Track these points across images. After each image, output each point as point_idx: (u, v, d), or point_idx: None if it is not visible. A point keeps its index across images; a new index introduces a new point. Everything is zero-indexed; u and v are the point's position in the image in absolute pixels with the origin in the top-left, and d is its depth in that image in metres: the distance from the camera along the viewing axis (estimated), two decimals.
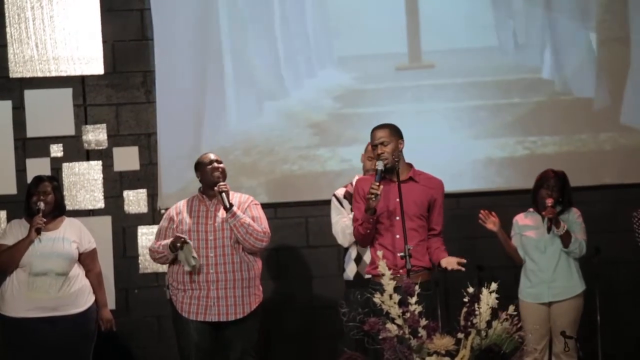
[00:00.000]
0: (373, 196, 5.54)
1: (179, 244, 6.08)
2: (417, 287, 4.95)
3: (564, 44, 7.64)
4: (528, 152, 7.51)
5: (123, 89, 7.52)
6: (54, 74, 7.47)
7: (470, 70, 7.64)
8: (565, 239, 6.45)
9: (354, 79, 7.65)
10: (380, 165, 5.64)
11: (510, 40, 7.69)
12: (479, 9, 7.65)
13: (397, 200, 5.67)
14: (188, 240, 6.10)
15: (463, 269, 5.57)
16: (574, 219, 6.56)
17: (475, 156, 7.50)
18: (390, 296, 4.91)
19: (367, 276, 6.14)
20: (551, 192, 6.48)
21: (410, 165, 5.82)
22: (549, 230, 6.46)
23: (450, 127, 7.55)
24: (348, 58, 7.65)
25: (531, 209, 6.66)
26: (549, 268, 6.51)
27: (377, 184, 5.57)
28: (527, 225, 6.61)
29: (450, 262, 5.63)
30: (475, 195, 7.38)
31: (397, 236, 5.65)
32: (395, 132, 5.75)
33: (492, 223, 6.49)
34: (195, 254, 6.09)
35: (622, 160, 7.43)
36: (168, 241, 6.17)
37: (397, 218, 5.67)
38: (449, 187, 7.29)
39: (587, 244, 6.57)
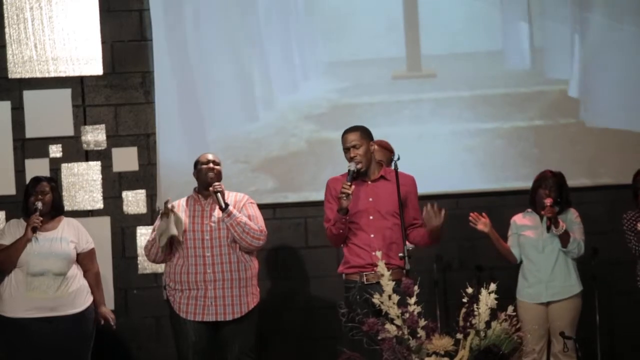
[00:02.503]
0: (344, 196, 5.58)
1: (168, 207, 6.06)
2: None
3: (597, 51, 7.44)
4: (525, 150, 7.44)
5: (122, 90, 7.52)
6: (52, 74, 7.47)
7: (478, 81, 7.43)
8: (564, 238, 6.46)
9: (343, 90, 7.48)
10: (352, 166, 5.71)
11: (525, 44, 7.51)
12: (487, 7, 7.48)
13: (370, 199, 5.74)
14: (172, 206, 6.09)
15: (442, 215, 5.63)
16: (572, 218, 6.58)
17: (473, 155, 7.46)
18: (390, 296, 4.92)
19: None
20: (549, 192, 6.50)
21: (381, 165, 5.86)
22: (548, 229, 6.48)
23: (448, 128, 7.45)
24: (338, 64, 7.49)
25: (529, 209, 6.67)
26: (547, 268, 6.52)
27: (349, 184, 5.62)
28: (525, 225, 6.62)
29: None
30: (475, 196, 7.38)
31: (372, 235, 5.70)
32: (366, 135, 5.81)
33: (482, 224, 6.51)
34: (182, 224, 6.08)
35: (619, 160, 7.42)
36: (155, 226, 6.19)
37: (371, 217, 5.73)
38: (448, 188, 7.32)
39: (585, 244, 6.59)
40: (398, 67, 7.51)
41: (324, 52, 7.50)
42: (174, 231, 6.07)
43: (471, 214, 6.53)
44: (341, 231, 5.71)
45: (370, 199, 5.74)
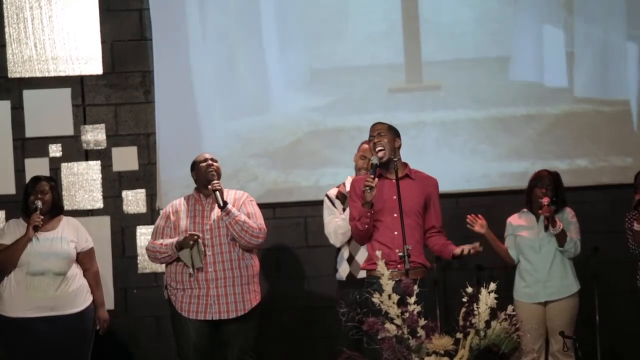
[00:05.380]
0: (368, 188, 5.57)
1: (191, 242, 6.06)
2: (415, 285, 4.96)
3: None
4: (525, 150, 7.30)
5: (122, 89, 7.52)
6: (52, 74, 7.47)
7: (489, 94, 6.97)
8: (561, 238, 6.46)
9: (329, 107, 7.22)
10: (375, 160, 5.69)
11: (549, 52, 7.11)
12: (498, 6, 7.09)
13: (395, 197, 5.69)
14: (199, 240, 6.09)
15: (480, 248, 5.64)
16: (568, 218, 6.58)
17: (472, 154, 7.37)
18: (389, 296, 4.92)
19: (360, 276, 6.15)
20: (546, 191, 6.50)
21: (405, 164, 5.85)
22: (546, 229, 6.47)
23: (460, 164, 7.13)
24: (325, 72, 7.23)
25: (525, 209, 6.66)
26: (544, 267, 6.52)
27: (372, 176, 5.61)
28: (521, 226, 6.62)
29: (465, 248, 5.66)
30: (474, 195, 7.38)
31: (396, 233, 5.67)
32: (392, 130, 5.81)
33: (479, 226, 6.49)
34: (202, 250, 6.08)
35: (619, 160, 7.40)
36: (173, 240, 6.14)
37: (395, 215, 5.69)
38: (448, 187, 7.31)
39: (581, 243, 6.59)
40: (395, 75, 7.17)
41: (307, 58, 7.29)
42: (200, 264, 6.08)
43: (468, 216, 6.52)
44: (366, 226, 5.68)
45: (395, 197, 5.72)
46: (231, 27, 7.49)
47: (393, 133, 5.78)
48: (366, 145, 6.30)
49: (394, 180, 5.74)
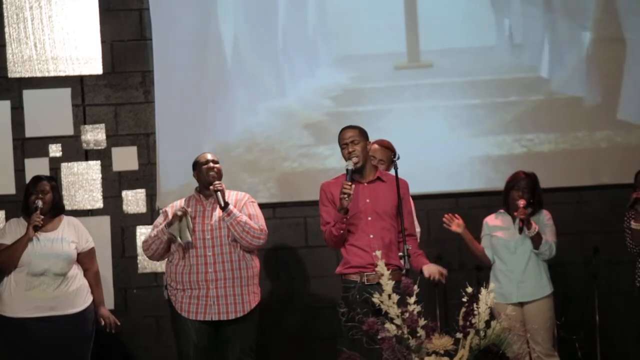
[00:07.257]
0: (346, 195, 5.58)
1: (179, 213, 6.06)
2: (415, 286, 4.98)
3: (560, 43, 7.43)
4: (525, 149, 7.43)
5: (122, 89, 7.52)
6: (52, 74, 7.47)
7: (468, 70, 7.47)
8: (536, 240, 6.44)
9: (352, 78, 7.51)
10: (350, 165, 5.72)
11: (507, 39, 7.50)
12: (477, 8, 7.49)
13: (368, 201, 5.75)
14: (188, 211, 6.09)
15: (444, 281, 5.67)
16: (544, 220, 6.55)
17: (473, 154, 7.46)
18: (389, 296, 4.92)
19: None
20: (522, 193, 6.48)
21: (376, 167, 5.88)
22: (520, 230, 6.45)
23: (448, 125, 7.45)
24: (347, 58, 7.50)
25: (502, 210, 6.65)
26: (519, 269, 6.49)
27: (349, 183, 5.63)
28: (497, 226, 6.61)
29: (432, 272, 5.71)
30: (474, 195, 7.38)
31: (371, 236, 5.71)
32: (363, 134, 5.84)
33: (456, 225, 6.50)
34: (191, 226, 6.08)
35: (620, 159, 7.42)
36: (164, 223, 6.16)
37: (369, 218, 5.74)
38: (448, 188, 7.33)
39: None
40: (399, 60, 7.54)
41: (332, 47, 7.53)
42: (188, 238, 6.07)
43: (445, 215, 6.53)
44: (342, 232, 5.72)
45: (368, 200, 5.76)
46: (230, 27, 7.50)
47: (364, 137, 5.82)
48: (376, 146, 6.28)
49: (365, 184, 5.80)
